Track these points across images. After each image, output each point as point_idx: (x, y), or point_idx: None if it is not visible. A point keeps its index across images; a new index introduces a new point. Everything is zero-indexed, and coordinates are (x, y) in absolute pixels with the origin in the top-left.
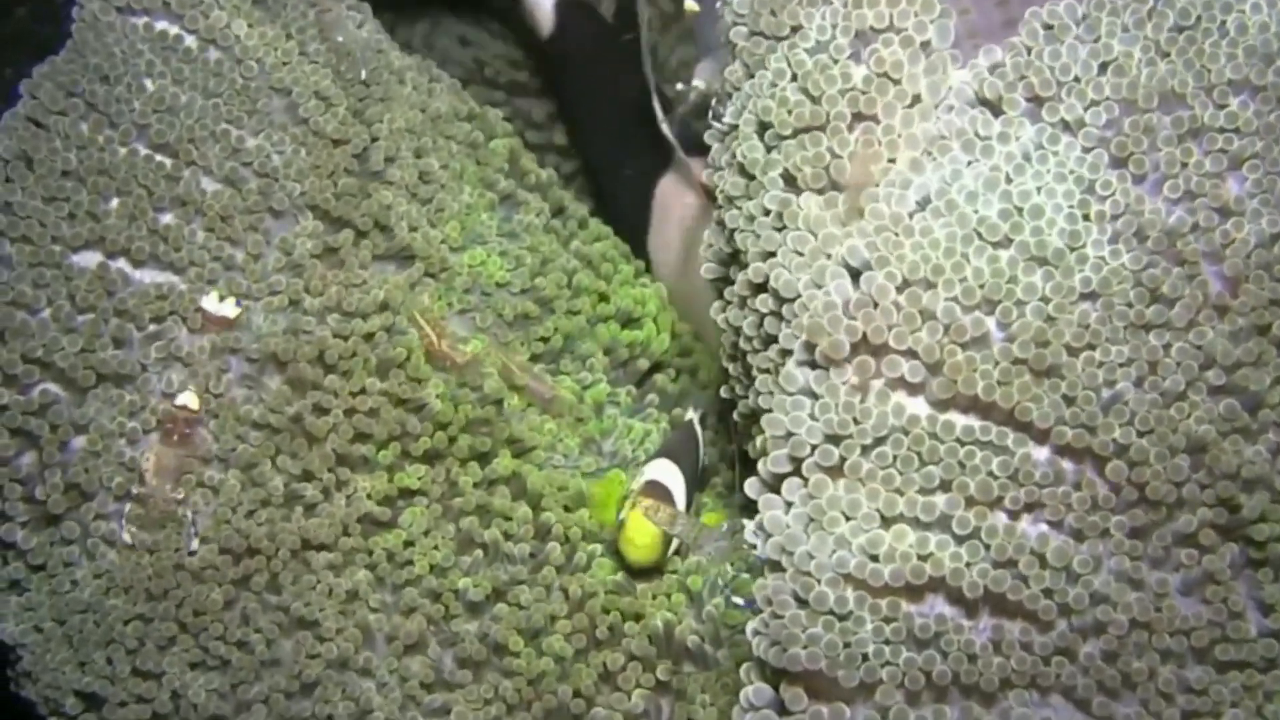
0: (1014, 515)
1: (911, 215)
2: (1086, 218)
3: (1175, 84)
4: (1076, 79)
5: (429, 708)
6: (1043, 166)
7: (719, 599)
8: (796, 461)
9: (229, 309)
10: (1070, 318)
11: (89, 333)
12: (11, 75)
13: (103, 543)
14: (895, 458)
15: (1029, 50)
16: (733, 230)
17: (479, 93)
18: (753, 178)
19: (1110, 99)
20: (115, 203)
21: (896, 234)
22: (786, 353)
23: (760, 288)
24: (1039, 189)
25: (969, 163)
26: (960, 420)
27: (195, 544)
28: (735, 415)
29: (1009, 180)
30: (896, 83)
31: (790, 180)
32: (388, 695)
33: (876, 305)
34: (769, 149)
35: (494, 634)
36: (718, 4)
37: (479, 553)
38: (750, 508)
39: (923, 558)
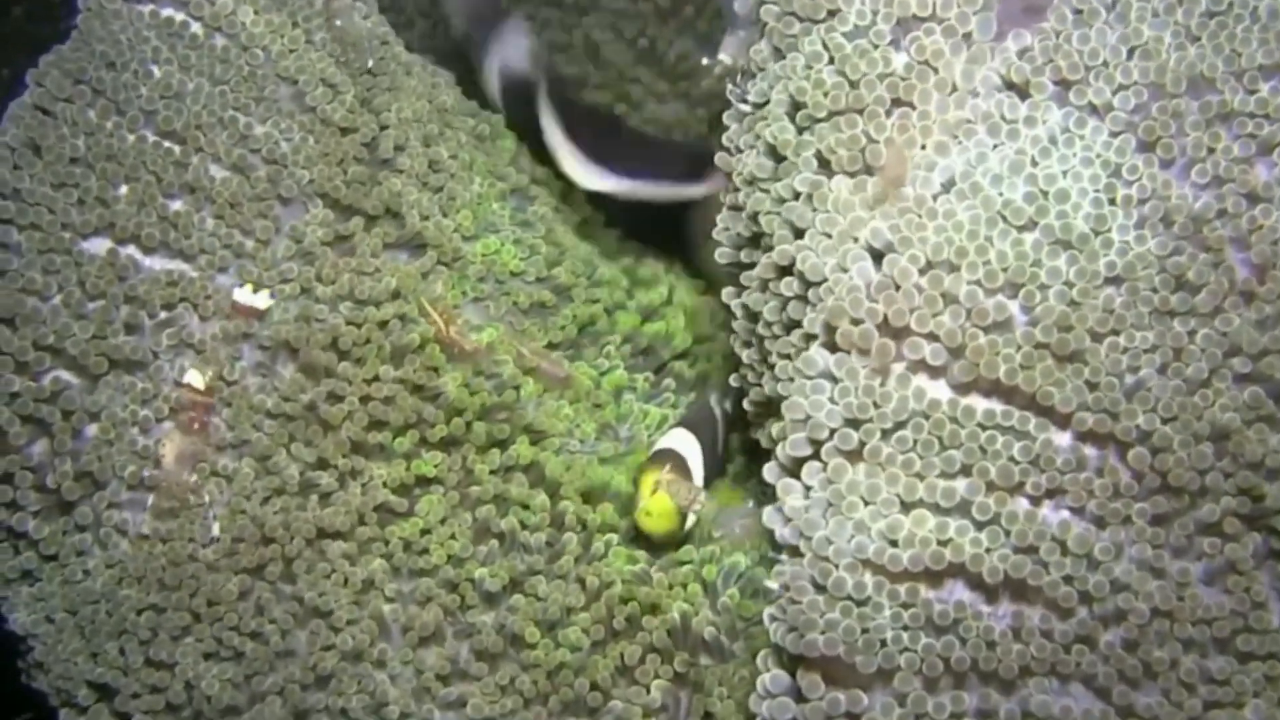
0: (1035, 501)
1: (935, 198)
2: (1112, 202)
3: (1204, 68)
4: (1105, 63)
5: (444, 700)
6: (1069, 150)
7: (734, 590)
8: (816, 445)
9: (261, 300)
10: (1094, 302)
11: (100, 319)
12: (9, 75)
13: (115, 532)
14: (915, 442)
15: (1058, 34)
16: (756, 213)
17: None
18: (783, 159)
19: (1139, 83)
20: (124, 189)
21: (920, 216)
22: (811, 337)
23: (785, 270)
24: (1065, 172)
25: (994, 146)
26: (981, 404)
27: (216, 530)
28: (747, 403)
29: (1034, 164)
30: (936, 71)
31: (824, 163)
32: (403, 687)
33: (898, 288)
34: (800, 130)
35: (511, 625)
36: None
37: (495, 542)
38: (768, 495)
39: (942, 543)
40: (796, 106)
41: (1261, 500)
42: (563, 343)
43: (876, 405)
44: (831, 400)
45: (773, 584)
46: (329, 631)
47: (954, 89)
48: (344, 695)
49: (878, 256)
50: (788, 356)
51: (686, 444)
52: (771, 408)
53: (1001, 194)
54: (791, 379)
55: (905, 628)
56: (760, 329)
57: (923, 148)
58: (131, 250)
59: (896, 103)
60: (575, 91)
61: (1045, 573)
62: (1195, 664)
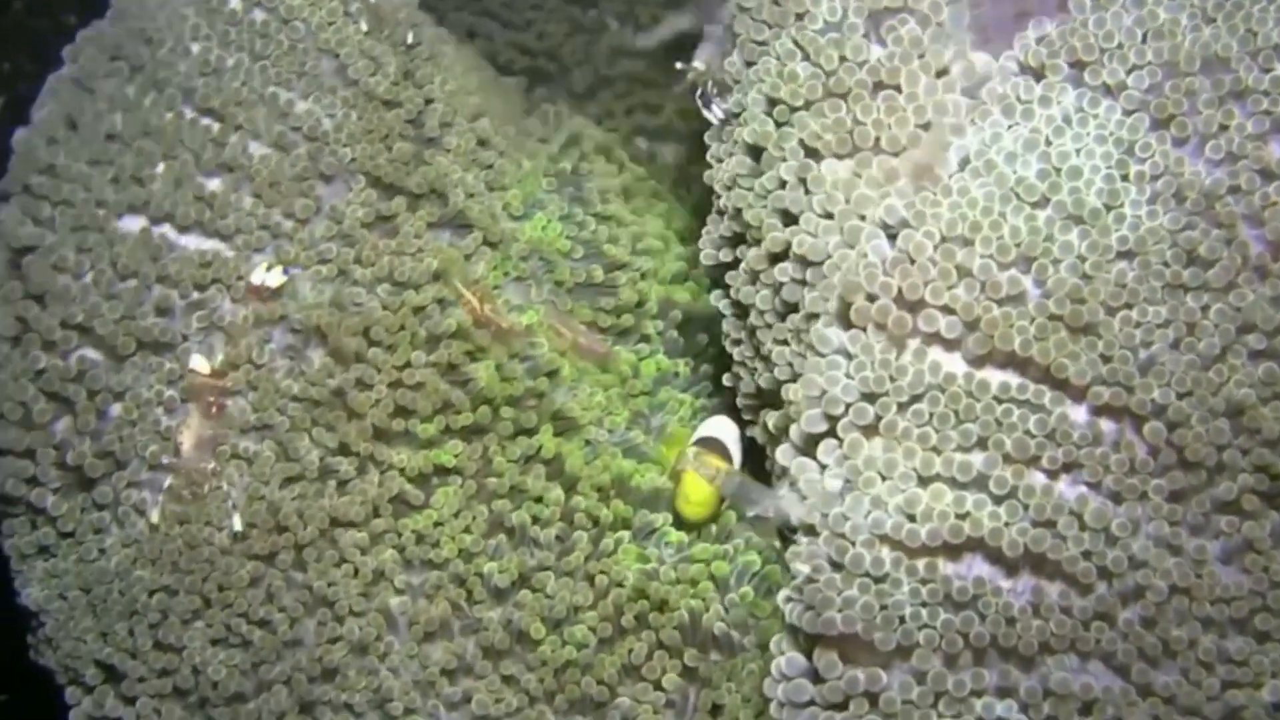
0: (1052, 475)
1: (950, 176)
2: (1125, 178)
3: (1219, 48)
4: (1120, 45)
5: (449, 698)
6: (1082, 129)
7: (747, 589)
8: (832, 421)
9: (274, 278)
10: (1107, 276)
11: (131, 299)
12: (9, 69)
13: (134, 511)
14: (932, 415)
15: (1076, 20)
16: (740, 209)
17: None
18: (763, 153)
19: (1153, 63)
20: (161, 167)
21: (934, 193)
22: (812, 316)
23: (779, 257)
24: (1078, 150)
25: (1009, 126)
26: (997, 377)
27: (236, 521)
28: (739, 401)
29: (1048, 142)
30: (920, 56)
31: (810, 150)
32: (408, 682)
33: (913, 261)
34: (780, 125)
35: (517, 621)
36: None
37: (504, 537)
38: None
39: (960, 517)
40: (773, 103)
41: (1278, 479)
42: (610, 327)
43: (892, 379)
44: (847, 375)
45: (804, 567)
46: (335, 623)
47: (942, 74)
48: (349, 690)
49: (892, 235)
50: (784, 342)
51: (726, 430)
52: (764, 399)
53: (1015, 171)
54: (790, 365)
55: (924, 604)
56: (753, 319)
57: (922, 126)
58: (166, 229)
59: (879, 86)
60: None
61: (1064, 547)
62: (1214, 643)
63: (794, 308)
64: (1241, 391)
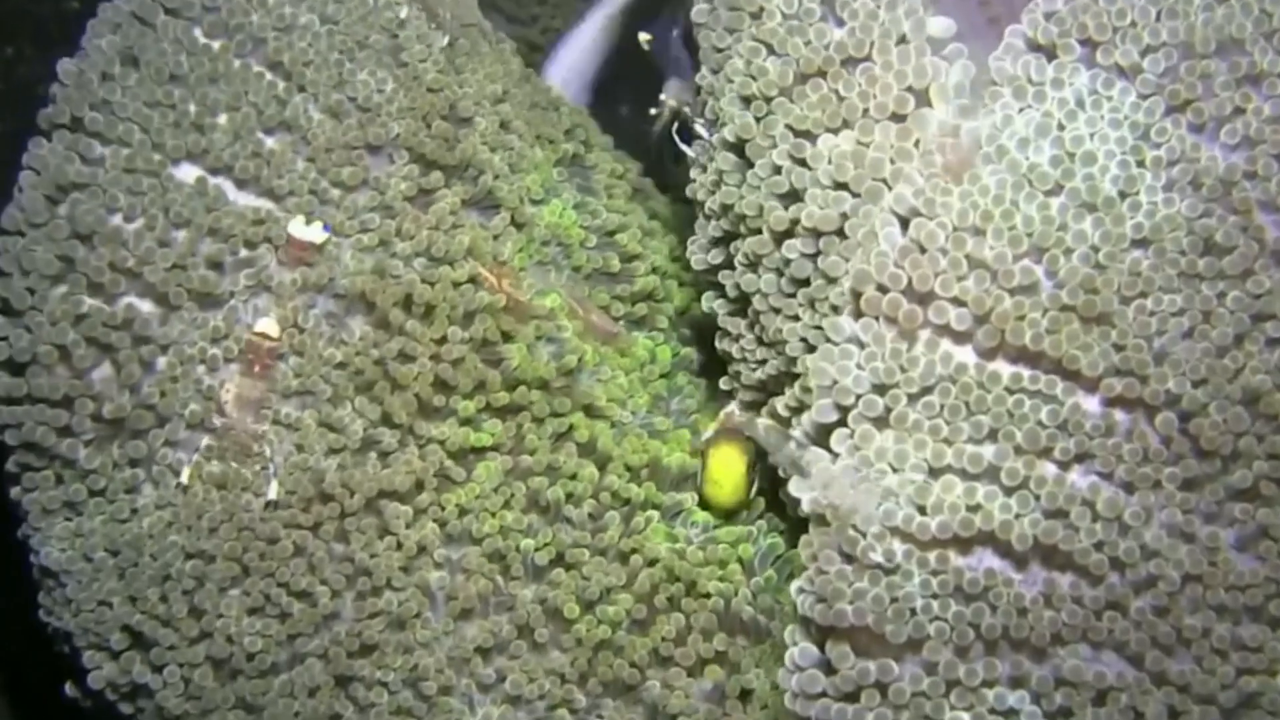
0: (1064, 466)
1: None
2: (1140, 164)
3: (1233, 29)
4: (1133, 24)
5: (483, 679)
6: (1096, 112)
7: (771, 572)
8: (843, 411)
9: (315, 234)
10: (1121, 265)
11: (185, 249)
12: (12, 54)
13: (169, 471)
14: (943, 407)
15: None
16: (728, 205)
17: None
18: (747, 144)
19: (1167, 44)
20: (224, 117)
21: (945, 181)
22: (831, 280)
23: (784, 235)
24: (1092, 135)
25: (1021, 109)
26: (1008, 369)
27: (273, 489)
28: (740, 398)
29: (1061, 126)
30: (882, 25)
31: (799, 132)
32: (442, 659)
33: (924, 252)
34: (759, 118)
35: (552, 599)
36: (672, 32)
37: (539, 514)
38: None
39: (971, 509)
40: (748, 100)
41: None
42: (624, 315)
43: (903, 370)
44: (859, 366)
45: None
46: (374, 597)
47: (903, 40)
48: (384, 667)
49: (904, 222)
50: (795, 318)
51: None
52: (770, 388)
53: (1028, 157)
54: (804, 340)
55: (935, 596)
56: (756, 304)
57: (908, 90)
58: (222, 181)
59: (849, 61)
60: None
61: (1076, 538)
62: (1228, 631)
63: (804, 282)
64: (1258, 378)
